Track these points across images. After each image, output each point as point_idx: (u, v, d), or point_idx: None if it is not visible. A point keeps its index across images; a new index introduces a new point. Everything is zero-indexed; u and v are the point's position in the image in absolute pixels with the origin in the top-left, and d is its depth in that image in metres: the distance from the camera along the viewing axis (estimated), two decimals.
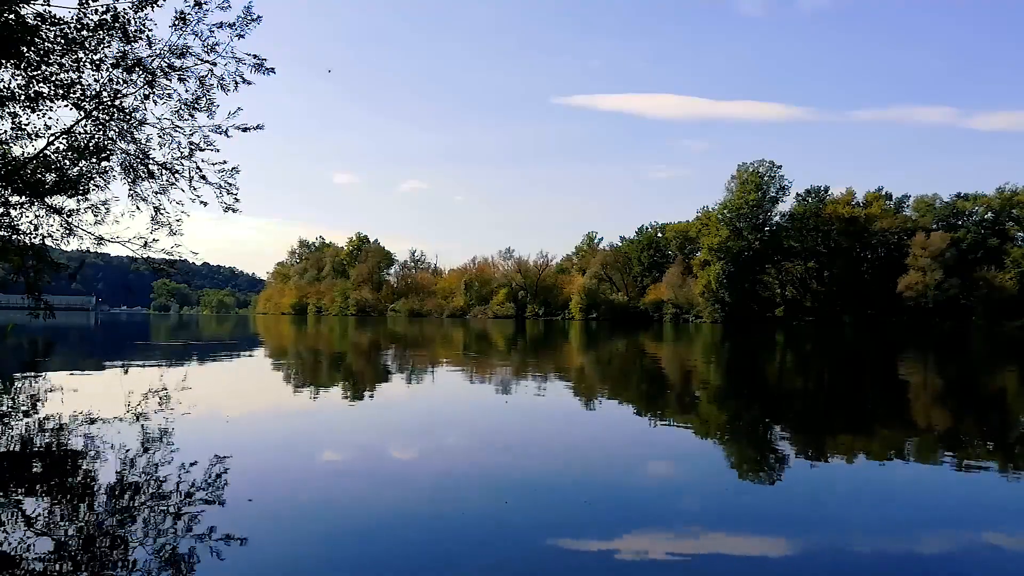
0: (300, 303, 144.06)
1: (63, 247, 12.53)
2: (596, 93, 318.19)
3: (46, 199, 11.66)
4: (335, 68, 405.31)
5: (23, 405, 9.56)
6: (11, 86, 10.53)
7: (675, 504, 5.23)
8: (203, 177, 12.13)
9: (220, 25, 11.18)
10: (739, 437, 8.23)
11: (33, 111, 10.85)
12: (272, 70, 11.83)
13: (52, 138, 11.26)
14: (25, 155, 11.28)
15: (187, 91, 11.62)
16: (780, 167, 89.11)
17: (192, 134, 11.90)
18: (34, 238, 11.97)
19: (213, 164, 12.13)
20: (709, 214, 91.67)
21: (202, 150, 12.02)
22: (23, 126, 11.02)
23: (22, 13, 9.91)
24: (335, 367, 17.94)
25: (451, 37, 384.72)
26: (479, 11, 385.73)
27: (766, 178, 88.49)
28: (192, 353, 22.75)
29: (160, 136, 11.90)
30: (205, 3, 10.98)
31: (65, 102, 10.90)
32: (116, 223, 12.23)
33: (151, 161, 12.09)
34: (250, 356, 22.21)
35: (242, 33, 11.26)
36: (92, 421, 8.05)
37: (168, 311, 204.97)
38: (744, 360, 22.40)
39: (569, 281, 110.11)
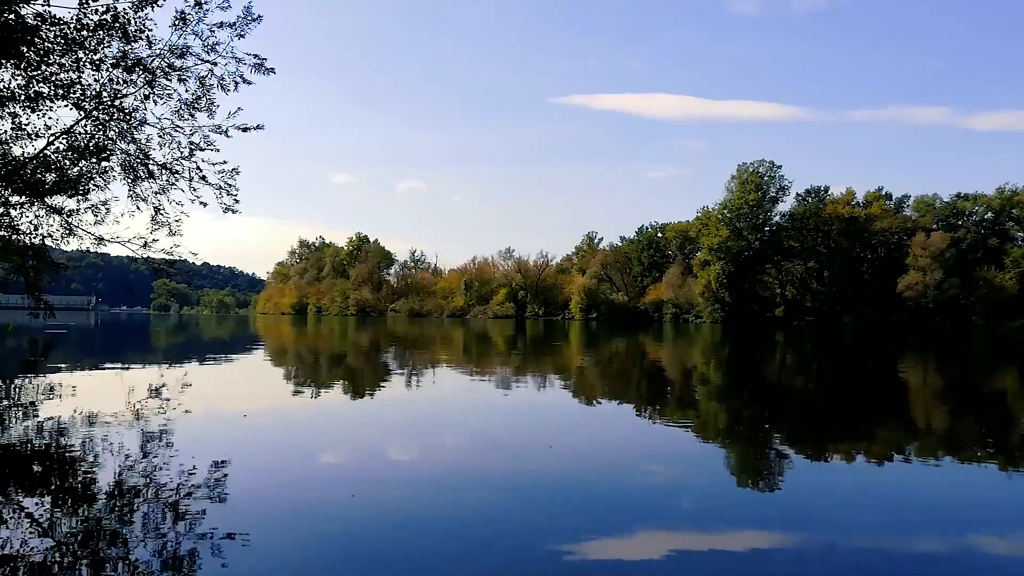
0: (300, 303, 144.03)
1: (63, 247, 12.55)
2: (593, 93, 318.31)
3: (46, 199, 11.66)
4: (335, 68, 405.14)
5: (23, 405, 9.55)
6: (11, 86, 10.53)
7: (675, 505, 5.23)
8: (203, 178, 12.14)
9: (220, 25, 11.18)
10: (739, 437, 8.23)
11: (33, 111, 10.85)
12: (272, 70, 11.85)
13: (52, 138, 11.26)
14: (25, 155, 11.29)
15: (187, 91, 11.63)
16: (780, 167, 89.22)
17: (192, 134, 11.91)
18: (34, 238, 11.98)
19: (213, 164, 12.14)
20: (709, 214, 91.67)
21: (202, 150, 12.03)
22: (23, 126, 11.03)
23: (22, 13, 9.91)
24: (335, 367, 17.94)
25: (449, 37, 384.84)
26: (477, 11, 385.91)
27: (766, 178, 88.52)
28: (192, 353, 22.76)
29: (160, 136, 11.92)
30: (205, 3, 10.99)
31: (65, 102, 10.91)
32: (116, 223, 12.25)
33: (151, 161, 12.09)
34: (250, 356, 22.21)
35: (242, 33, 11.27)
36: (92, 421, 8.05)
37: (168, 311, 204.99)
38: (744, 360, 22.40)
39: (569, 281, 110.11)
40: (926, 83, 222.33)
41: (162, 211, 12.30)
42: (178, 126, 11.83)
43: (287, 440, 7.47)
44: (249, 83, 11.75)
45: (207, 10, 11.04)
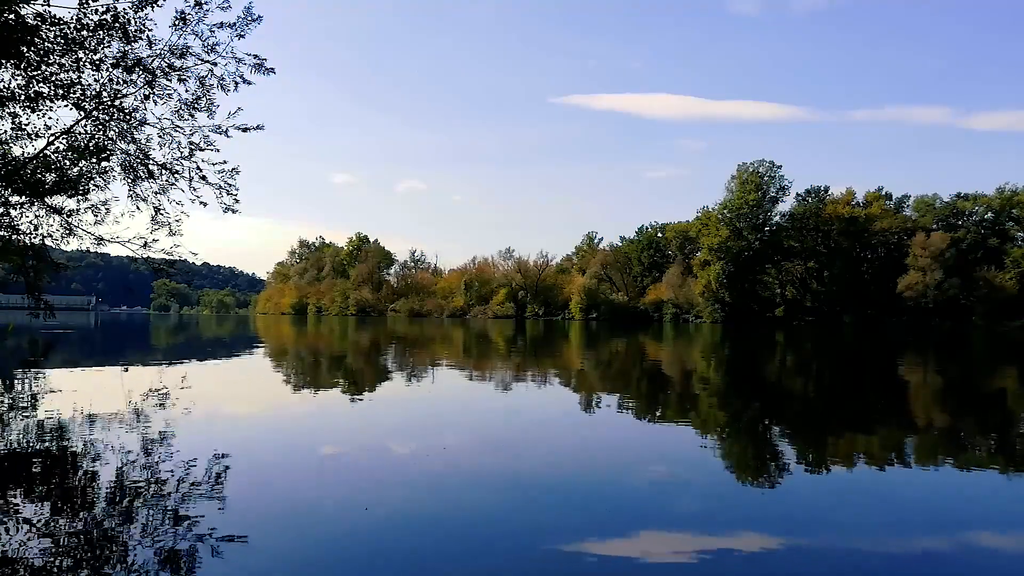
0: (300, 303, 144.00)
1: (63, 247, 12.57)
2: (593, 93, 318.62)
3: (46, 199, 11.67)
4: (335, 68, 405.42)
5: (23, 405, 9.56)
6: (11, 86, 10.54)
7: (675, 505, 5.23)
8: (203, 177, 12.15)
9: (220, 25, 11.20)
10: (739, 438, 8.23)
11: (33, 111, 10.86)
12: (272, 70, 11.86)
13: (52, 138, 11.27)
14: (25, 155, 11.30)
15: (187, 91, 11.65)
16: (780, 167, 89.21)
17: (192, 134, 11.93)
18: (34, 238, 12.00)
19: (213, 164, 12.16)
20: (709, 214, 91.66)
21: (202, 150, 12.05)
22: (23, 126, 11.03)
23: (22, 13, 9.92)
24: (335, 367, 17.94)
25: (449, 37, 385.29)
26: (477, 11, 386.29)
27: (766, 178, 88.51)
28: (192, 353, 22.76)
29: (160, 136, 11.93)
30: (205, 3, 11.00)
31: (65, 102, 10.92)
32: (116, 223, 12.27)
33: (151, 161, 12.11)
34: (250, 356, 22.20)
35: (242, 33, 11.28)
36: (92, 421, 8.05)
37: (168, 311, 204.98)
38: (744, 360, 22.40)
39: (569, 281, 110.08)
40: (926, 83, 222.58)
41: (162, 211, 12.32)
42: (178, 126, 11.85)
43: (287, 440, 7.47)
44: (249, 83, 11.77)
45: (207, 10, 11.06)
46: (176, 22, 11.03)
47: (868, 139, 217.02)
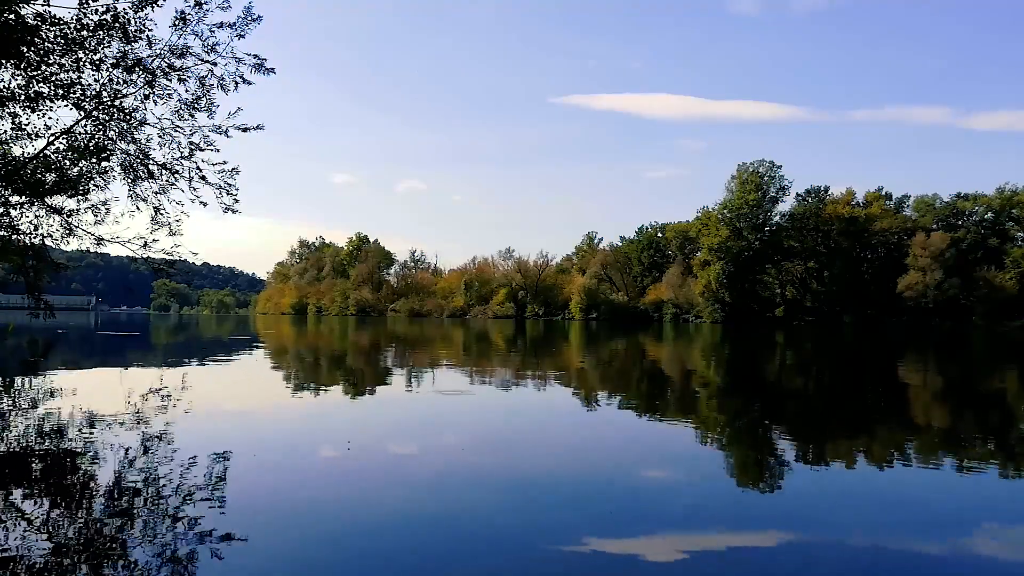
0: (300, 303, 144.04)
1: (63, 247, 12.59)
2: (593, 93, 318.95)
3: (46, 199, 11.68)
4: (335, 68, 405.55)
5: (23, 405, 9.55)
6: (11, 86, 10.55)
7: (676, 505, 5.23)
8: (203, 177, 12.16)
9: (220, 25, 11.21)
10: (739, 438, 8.23)
11: (33, 111, 10.87)
12: (272, 70, 11.87)
13: (52, 138, 11.28)
14: (25, 155, 11.31)
15: (187, 91, 11.66)
16: (780, 167, 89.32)
17: (192, 134, 11.94)
18: (34, 238, 12.01)
19: (213, 164, 12.17)
20: (709, 214, 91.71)
21: (202, 150, 12.07)
22: (23, 126, 11.04)
23: (22, 13, 9.92)
24: (335, 367, 17.94)
25: (449, 37, 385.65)
26: (477, 11, 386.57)
27: (766, 178, 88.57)
28: (192, 353, 22.75)
29: (160, 136, 11.95)
30: (205, 3, 11.01)
31: (65, 102, 10.93)
32: (116, 223, 12.29)
33: (151, 161, 12.12)
34: (250, 356, 22.19)
35: (242, 33, 11.29)
36: (92, 421, 8.04)
37: (168, 311, 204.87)
38: (744, 360, 22.40)
39: (569, 281, 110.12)
40: (926, 83, 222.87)
41: (162, 211, 12.34)
42: (178, 126, 11.86)
43: (287, 440, 7.47)
44: (249, 83, 11.78)
45: (207, 10, 11.07)
46: (176, 22, 11.04)
47: (868, 139, 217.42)
